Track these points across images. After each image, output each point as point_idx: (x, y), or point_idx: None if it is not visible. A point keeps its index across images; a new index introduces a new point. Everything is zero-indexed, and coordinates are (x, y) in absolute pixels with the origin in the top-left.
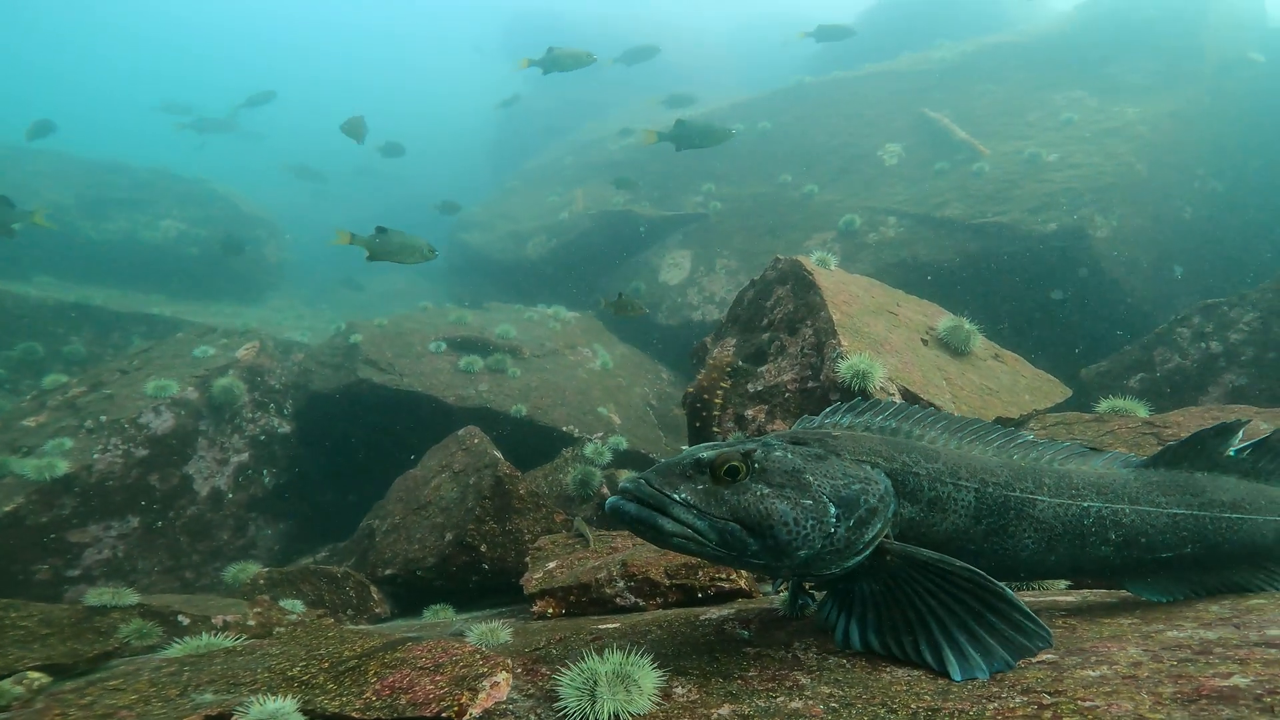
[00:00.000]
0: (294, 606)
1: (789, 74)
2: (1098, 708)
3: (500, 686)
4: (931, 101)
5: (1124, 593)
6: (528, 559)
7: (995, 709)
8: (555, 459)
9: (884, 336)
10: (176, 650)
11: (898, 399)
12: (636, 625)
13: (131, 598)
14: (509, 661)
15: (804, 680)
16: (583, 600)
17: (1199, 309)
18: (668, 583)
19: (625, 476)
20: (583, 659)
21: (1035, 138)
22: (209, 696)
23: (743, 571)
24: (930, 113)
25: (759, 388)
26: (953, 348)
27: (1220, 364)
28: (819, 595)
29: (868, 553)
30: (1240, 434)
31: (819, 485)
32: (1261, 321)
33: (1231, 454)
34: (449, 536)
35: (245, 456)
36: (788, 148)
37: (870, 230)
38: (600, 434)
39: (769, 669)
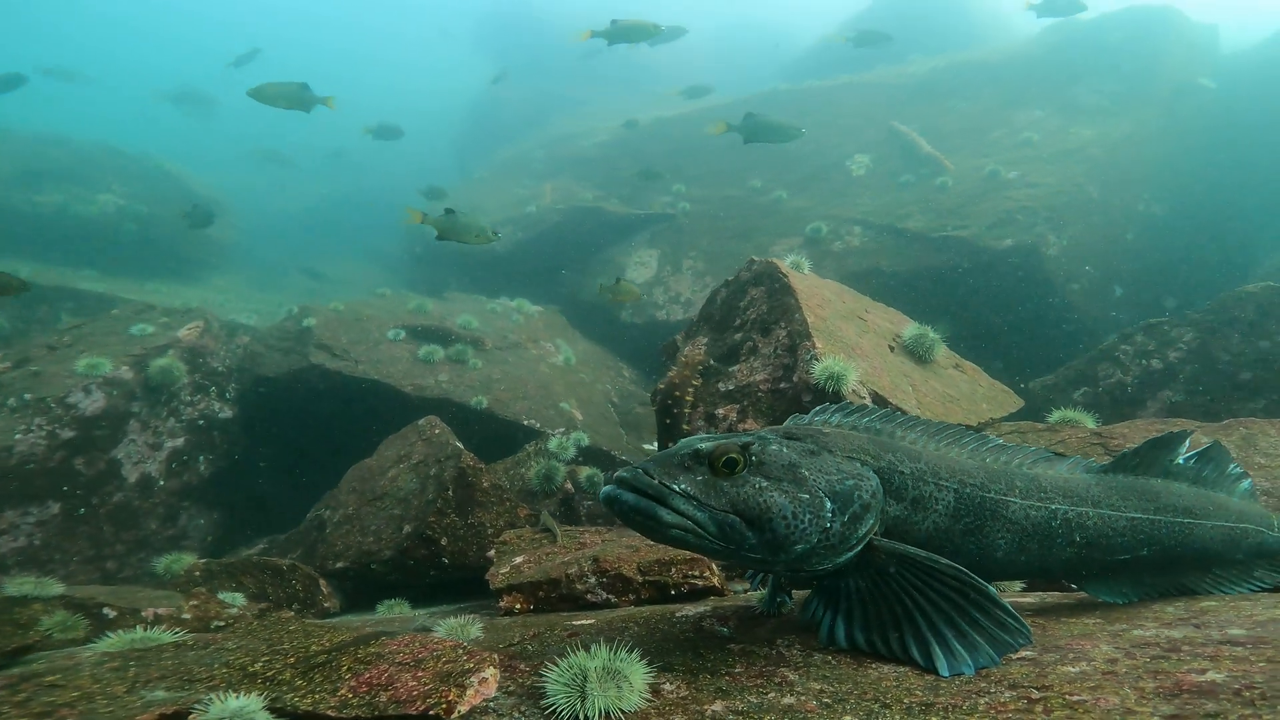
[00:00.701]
0: (234, 600)
1: (765, 80)
2: (1085, 702)
3: (489, 682)
4: (902, 115)
5: (1080, 595)
6: (491, 553)
7: (986, 704)
8: (517, 453)
9: (855, 341)
10: (109, 644)
11: (868, 403)
12: (613, 621)
13: (55, 588)
14: (495, 657)
15: (792, 676)
16: (552, 596)
17: (1142, 328)
18: (641, 579)
19: (619, 470)
20: (568, 654)
21: (997, 155)
22: (161, 694)
23: (715, 569)
24: (899, 126)
25: (730, 387)
26: (917, 355)
27: (1159, 380)
28: (795, 594)
29: (859, 548)
30: (1187, 443)
31: (815, 480)
32: (1200, 342)
33: (1180, 462)
34: (407, 529)
35: (180, 442)
36: (759, 153)
37: (836, 238)
38: (562, 429)
39: (755, 665)
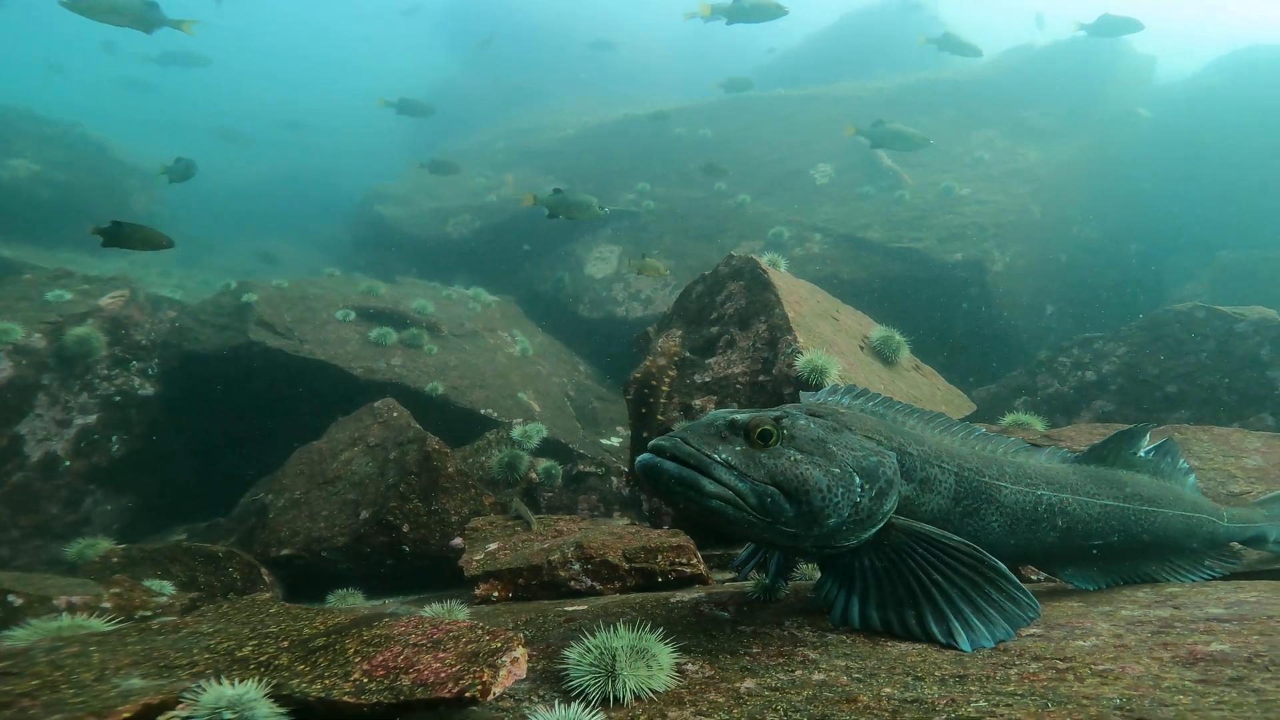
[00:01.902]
0: (161, 588)
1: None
2: (1112, 670)
3: (520, 662)
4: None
5: (1050, 582)
6: (455, 541)
7: (1017, 674)
8: (477, 441)
9: (830, 338)
10: (30, 633)
11: None
12: (608, 607)
13: None
14: (521, 636)
15: (813, 655)
16: (533, 584)
17: (1078, 341)
18: (627, 566)
19: (656, 439)
20: (584, 635)
21: (952, 172)
22: (138, 682)
23: (700, 557)
24: (863, 139)
25: (707, 379)
26: (884, 357)
27: (1093, 391)
28: (784, 583)
29: (881, 524)
30: (1148, 438)
31: (843, 456)
32: (1130, 356)
33: (1143, 455)
34: (365, 514)
35: (93, 419)
36: (726, 156)
37: (797, 244)
38: (520, 420)
39: (771, 646)
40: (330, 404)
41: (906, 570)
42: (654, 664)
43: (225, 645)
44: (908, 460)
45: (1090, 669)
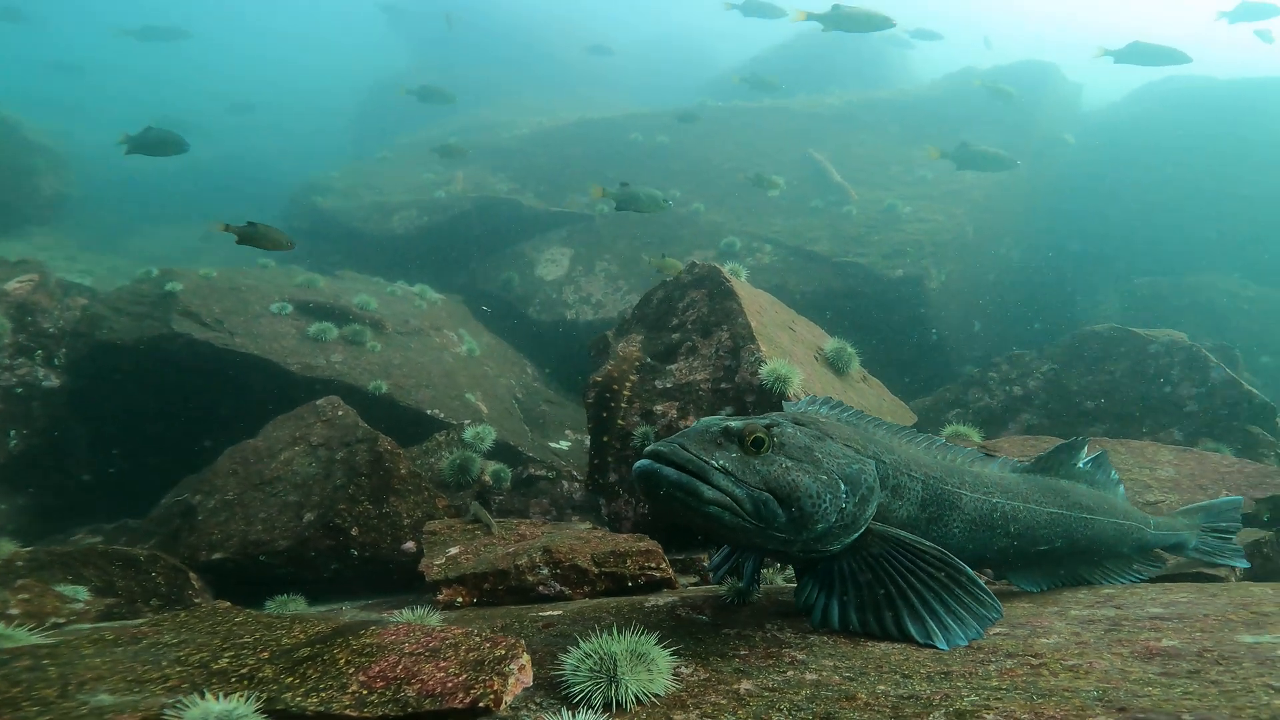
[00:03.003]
0: (76, 593)
1: (690, 95)
2: (1081, 665)
3: (526, 669)
4: (816, 142)
5: (995, 584)
6: (408, 545)
7: (996, 669)
8: (426, 442)
9: (789, 348)
10: None
11: None
12: (583, 612)
13: None
14: (524, 642)
15: (800, 656)
16: (499, 589)
17: (1007, 358)
18: (596, 570)
19: (652, 444)
20: (580, 640)
21: (895, 189)
22: (107, 698)
23: (667, 561)
24: (815, 153)
25: (668, 385)
26: (836, 367)
27: (1019, 405)
28: (757, 586)
29: (862, 529)
30: (1085, 449)
31: (828, 463)
32: (1055, 372)
33: (1081, 466)
34: (309, 517)
35: None
36: (681, 165)
37: (748, 254)
38: (468, 421)
39: (758, 648)
40: (264, 401)
41: (884, 574)
42: (653, 668)
43: (197, 656)
44: (882, 468)
45: (1061, 664)
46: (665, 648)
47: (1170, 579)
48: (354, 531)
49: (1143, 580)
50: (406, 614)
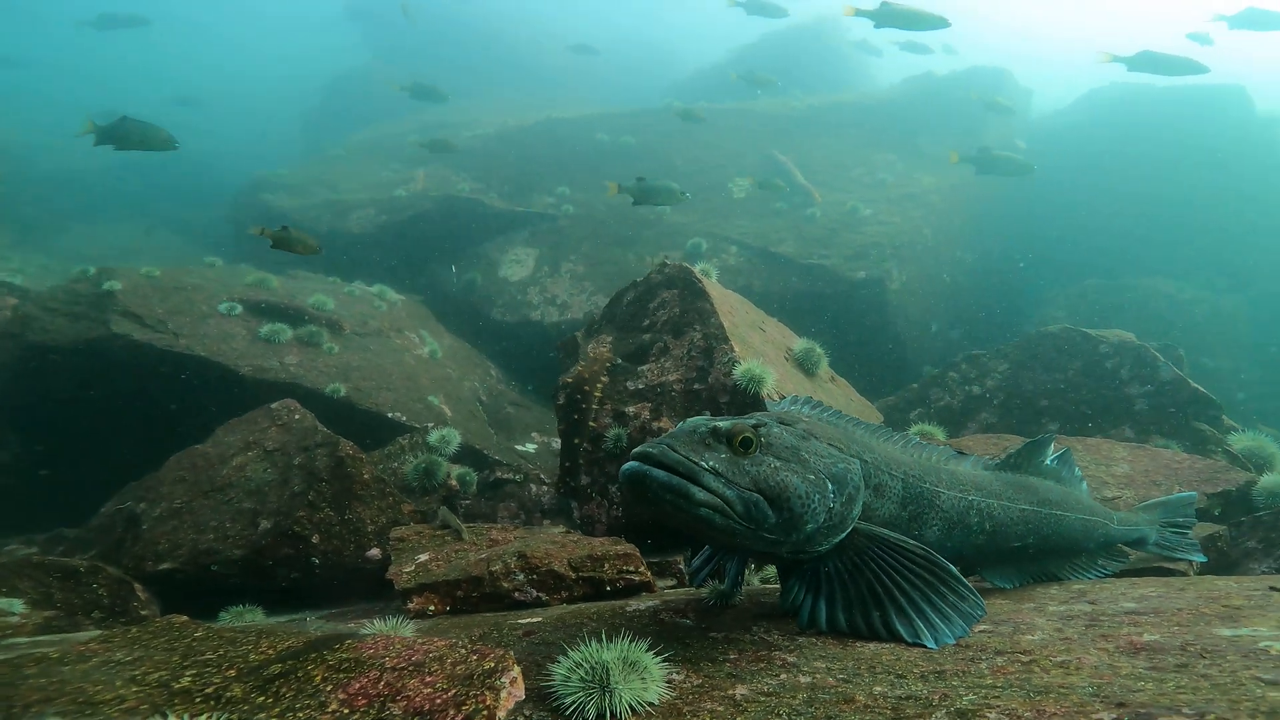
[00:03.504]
0: (11, 606)
1: (656, 96)
2: (1071, 661)
3: (518, 682)
4: (781, 144)
5: (972, 581)
6: (373, 551)
7: (988, 667)
8: (388, 446)
9: (761, 349)
10: None
11: None
12: (564, 619)
13: None
14: (511, 654)
15: (790, 659)
16: (473, 596)
17: (966, 358)
18: (574, 576)
19: (641, 446)
20: (567, 649)
21: (857, 192)
22: None
23: (645, 564)
24: (779, 155)
25: (640, 385)
26: (806, 368)
27: (978, 404)
28: (739, 589)
29: (849, 529)
30: (1051, 447)
31: (815, 463)
32: (1011, 371)
33: (1049, 463)
34: (265, 525)
35: None
36: (648, 165)
37: (714, 255)
38: (432, 425)
39: (747, 651)
40: (213, 406)
41: (870, 573)
42: (646, 675)
43: (156, 675)
44: (865, 467)
45: (1050, 660)
46: (655, 654)
47: (1134, 573)
48: (315, 539)
49: (1108, 575)
50: (379, 624)
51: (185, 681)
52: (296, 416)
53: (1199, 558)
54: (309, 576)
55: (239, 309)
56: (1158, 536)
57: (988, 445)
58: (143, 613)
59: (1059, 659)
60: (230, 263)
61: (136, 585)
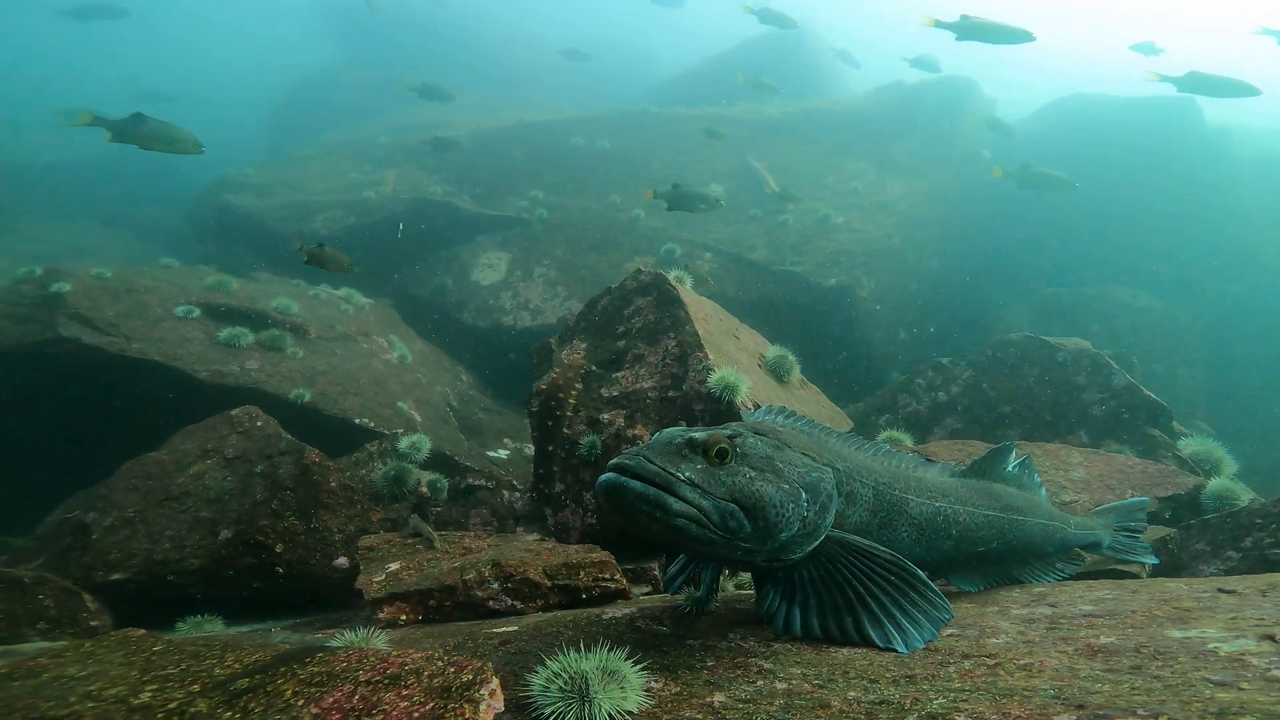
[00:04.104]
0: None
1: (633, 100)
2: (1034, 664)
3: (497, 694)
4: (755, 150)
5: (938, 585)
6: (340, 560)
7: (956, 671)
8: (356, 453)
9: (735, 356)
10: None
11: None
12: (540, 627)
13: None
14: (489, 665)
15: (766, 665)
16: (446, 605)
17: (932, 365)
18: (549, 584)
19: (616, 457)
20: (546, 658)
21: (829, 200)
22: None
23: (620, 573)
24: (754, 162)
25: (615, 393)
26: (778, 375)
27: (944, 410)
28: (715, 596)
29: (823, 537)
30: (1013, 454)
31: (789, 472)
32: (974, 378)
33: (1011, 469)
34: (226, 534)
35: None
36: (622, 169)
37: (688, 261)
38: (401, 431)
39: (724, 658)
40: (168, 412)
41: (843, 580)
42: (625, 684)
43: (113, 691)
44: (837, 476)
45: (1015, 664)
46: (633, 662)
47: (1089, 576)
48: (279, 548)
49: (1066, 578)
50: (350, 635)
51: (145, 697)
52: (259, 423)
53: (1151, 560)
54: (273, 586)
55: (196, 312)
56: (1112, 540)
57: (953, 451)
58: (93, 624)
59: (1022, 662)
60: (188, 264)
61: (86, 596)
